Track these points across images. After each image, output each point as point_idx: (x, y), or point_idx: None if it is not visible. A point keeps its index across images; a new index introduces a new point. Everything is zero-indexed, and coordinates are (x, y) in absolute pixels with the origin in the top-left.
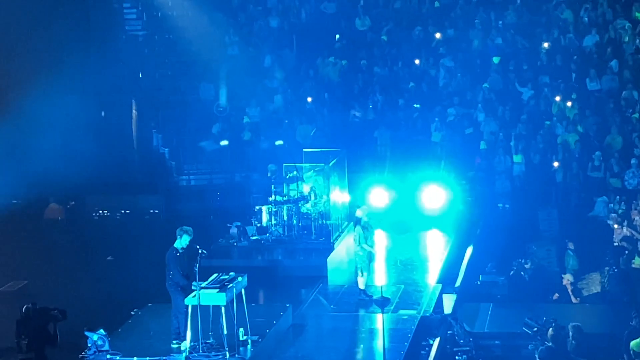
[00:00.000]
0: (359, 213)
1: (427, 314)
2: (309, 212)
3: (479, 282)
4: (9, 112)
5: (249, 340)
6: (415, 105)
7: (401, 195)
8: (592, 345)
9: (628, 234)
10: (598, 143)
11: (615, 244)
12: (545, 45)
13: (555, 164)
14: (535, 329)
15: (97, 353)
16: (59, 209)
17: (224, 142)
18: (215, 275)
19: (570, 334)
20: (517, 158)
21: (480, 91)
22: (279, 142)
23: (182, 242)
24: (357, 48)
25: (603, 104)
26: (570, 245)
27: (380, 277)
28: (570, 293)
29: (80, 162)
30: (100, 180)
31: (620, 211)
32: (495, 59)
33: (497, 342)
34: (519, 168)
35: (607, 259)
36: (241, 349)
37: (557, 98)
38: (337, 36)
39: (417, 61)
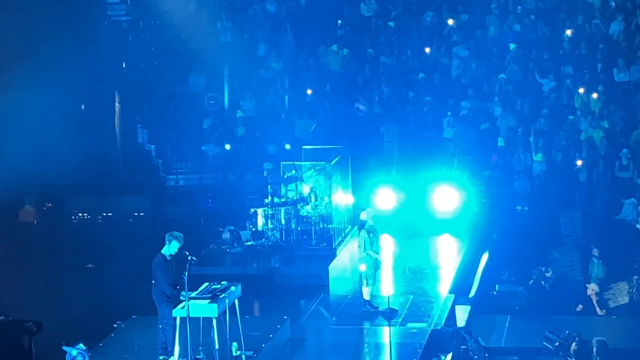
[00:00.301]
0: (363, 216)
1: (438, 327)
2: (309, 215)
3: (495, 292)
4: None
5: (243, 356)
6: (426, 99)
7: (410, 197)
8: None
9: None
10: (625, 140)
11: None
12: (568, 32)
13: (579, 162)
14: (557, 343)
15: None
16: (34, 211)
17: (227, 147)
18: (206, 284)
19: (595, 349)
20: (538, 156)
21: (496, 83)
22: (287, 146)
23: (170, 248)
24: (362, 35)
25: (631, 96)
26: (595, 252)
27: (387, 287)
28: (596, 304)
29: (57, 159)
30: (79, 179)
31: None
32: (512, 45)
33: (514, 357)
34: (540, 167)
35: (636, 267)
36: None
37: (581, 90)
38: (339, 22)
39: (427, 50)
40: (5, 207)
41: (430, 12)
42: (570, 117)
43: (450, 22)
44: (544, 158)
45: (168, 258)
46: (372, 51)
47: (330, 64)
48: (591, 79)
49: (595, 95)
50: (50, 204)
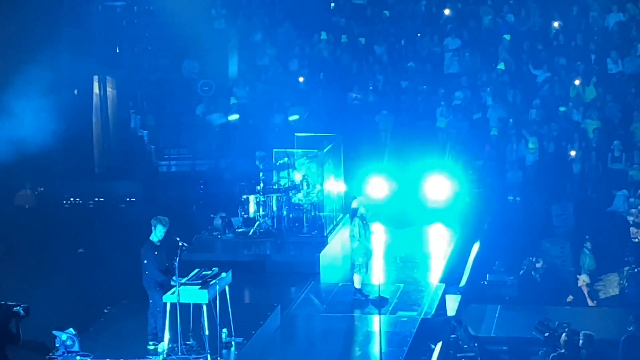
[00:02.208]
0: (355, 204)
1: (429, 316)
2: (300, 202)
3: (485, 282)
4: None
5: (233, 342)
6: (421, 87)
7: (402, 186)
8: (608, 353)
9: None
10: (619, 131)
11: (635, 240)
12: (556, 24)
13: (572, 153)
14: (546, 334)
15: (65, 354)
16: (29, 195)
17: (234, 117)
18: (197, 270)
19: (581, 342)
20: (532, 144)
21: (490, 73)
22: (293, 117)
23: (157, 233)
24: (355, 23)
25: (625, 88)
26: (588, 245)
27: (378, 275)
28: (586, 295)
29: (49, 144)
30: (71, 164)
31: None
32: (507, 36)
33: (504, 347)
34: (532, 157)
35: (627, 259)
36: (224, 351)
37: (577, 82)
38: (332, 5)
39: (419, 35)
40: (3, 191)
41: (425, 1)
42: (562, 108)
43: (447, 12)
44: (537, 148)
45: (157, 244)
46: (365, 40)
47: (323, 52)
48: (585, 70)
49: (588, 87)
50: (42, 189)
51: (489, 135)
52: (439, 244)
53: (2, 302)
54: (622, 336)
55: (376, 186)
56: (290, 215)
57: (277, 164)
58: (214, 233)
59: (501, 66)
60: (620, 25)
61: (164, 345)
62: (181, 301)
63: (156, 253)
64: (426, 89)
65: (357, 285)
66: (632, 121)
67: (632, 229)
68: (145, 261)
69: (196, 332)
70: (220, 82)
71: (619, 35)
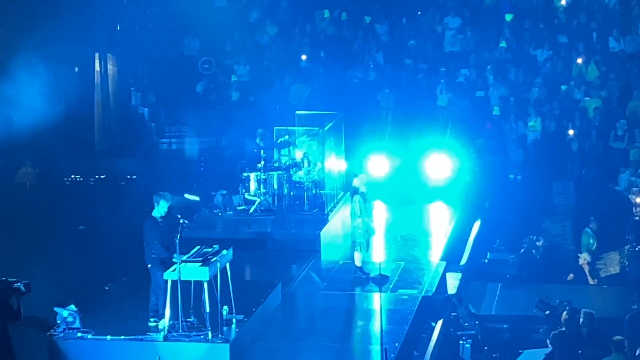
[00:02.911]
0: (356, 182)
1: (429, 294)
2: (301, 180)
3: (486, 260)
4: None
5: (234, 320)
6: (421, 66)
7: (403, 164)
8: (608, 331)
9: None
10: (620, 110)
11: (637, 219)
12: (563, 2)
13: (571, 132)
14: (547, 312)
15: (67, 331)
16: (30, 172)
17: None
18: (198, 247)
19: (581, 320)
20: (533, 125)
21: (491, 52)
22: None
23: (159, 209)
24: (357, 2)
25: (626, 66)
26: (592, 225)
27: (379, 253)
28: (587, 273)
29: (50, 121)
30: (72, 141)
31: None
32: (508, 17)
33: (505, 325)
34: (533, 136)
35: (628, 237)
36: (224, 328)
37: (579, 60)
38: None
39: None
40: (2, 168)
41: None
42: (564, 86)
43: None
44: (539, 127)
45: (159, 220)
46: (369, 18)
47: (325, 30)
48: (586, 49)
49: (590, 66)
50: (43, 166)
51: (490, 113)
52: (440, 222)
53: (3, 279)
54: (626, 314)
55: (377, 164)
56: (291, 193)
57: (278, 141)
58: (215, 211)
59: (503, 44)
60: (622, 4)
61: (164, 322)
62: (182, 278)
63: (158, 230)
64: (426, 67)
65: (357, 263)
66: (633, 99)
67: (638, 208)
68: (147, 237)
69: (197, 309)
70: (221, 60)
71: (620, 13)
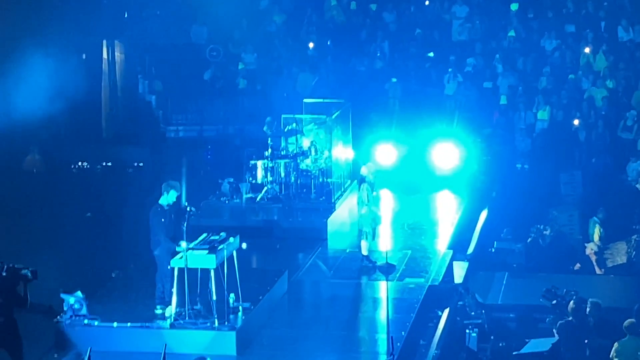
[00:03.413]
0: (364, 171)
1: (436, 283)
2: (308, 168)
3: (493, 250)
4: None
5: (240, 307)
6: (428, 55)
7: (410, 153)
8: (615, 321)
9: None
10: (628, 100)
11: None
12: None
13: (576, 122)
14: (554, 301)
15: (73, 317)
16: (37, 159)
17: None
18: (205, 235)
19: (588, 310)
20: (542, 114)
21: (500, 41)
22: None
23: (168, 198)
24: None
25: (635, 56)
26: (600, 215)
27: (386, 242)
28: (594, 263)
29: (57, 108)
30: (79, 129)
31: None
32: (514, 6)
33: (511, 314)
34: (541, 125)
35: (635, 227)
36: (231, 316)
37: (587, 50)
38: None
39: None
40: (9, 156)
41: None
42: (572, 76)
43: None
44: (547, 116)
45: (166, 208)
46: (375, 6)
47: (334, 18)
48: (595, 38)
49: (598, 55)
50: (49, 153)
51: (497, 103)
52: (447, 211)
53: (11, 265)
54: (633, 304)
55: (384, 153)
56: (298, 182)
57: (286, 129)
58: (222, 198)
59: (512, 33)
60: None
61: (171, 310)
62: (189, 266)
63: (165, 217)
64: (434, 56)
65: (364, 251)
66: (639, 89)
67: None
68: (153, 224)
69: (203, 297)
70: (228, 47)
71: (629, 2)
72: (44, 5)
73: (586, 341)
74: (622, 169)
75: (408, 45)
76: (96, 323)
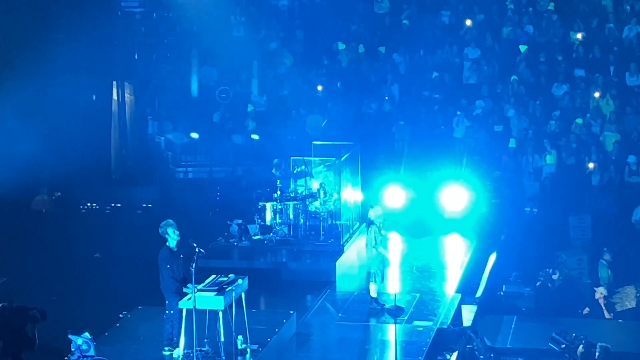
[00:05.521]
0: (371, 214)
1: (445, 326)
2: (317, 210)
3: (502, 293)
4: None
5: (248, 349)
6: (435, 96)
7: (419, 196)
8: None
9: None
10: (636, 145)
11: None
12: (579, 35)
13: (591, 165)
14: (563, 345)
15: (81, 358)
16: (46, 200)
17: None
18: (213, 276)
19: (597, 354)
20: (550, 159)
21: (509, 84)
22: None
23: (172, 238)
24: (374, 33)
25: None
26: (607, 256)
27: (394, 285)
28: (603, 307)
29: (68, 149)
30: (89, 169)
31: None
32: (522, 48)
33: (520, 358)
34: (549, 169)
35: None
36: (239, 358)
37: (597, 94)
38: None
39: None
40: (18, 196)
41: (445, 12)
42: (579, 120)
43: (468, 22)
44: (555, 160)
45: (174, 249)
46: (385, 49)
47: (342, 61)
48: (604, 83)
49: (607, 100)
50: (59, 193)
51: (506, 146)
52: (456, 254)
53: (19, 306)
54: None
55: (393, 195)
56: (307, 224)
57: (295, 171)
58: (231, 240)
59: (514, 78)
60: (638, 38)
61: (179, 351)
62: (197, 307)
63: (173, 259)
64: (441, 98)
65: (373, 294)
66: None
67: None
68: (162, 268)
69: (212, 339)
70: (238, 89)
71: (638, 47)
72: (55, 45)
73: None
74: (631, 212)
75: (417, 88)
76: None
